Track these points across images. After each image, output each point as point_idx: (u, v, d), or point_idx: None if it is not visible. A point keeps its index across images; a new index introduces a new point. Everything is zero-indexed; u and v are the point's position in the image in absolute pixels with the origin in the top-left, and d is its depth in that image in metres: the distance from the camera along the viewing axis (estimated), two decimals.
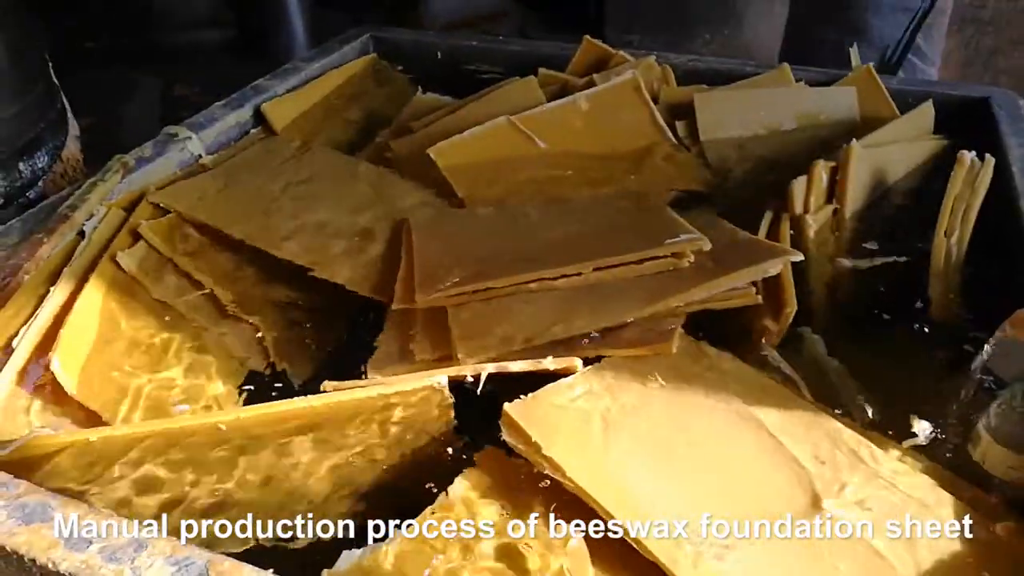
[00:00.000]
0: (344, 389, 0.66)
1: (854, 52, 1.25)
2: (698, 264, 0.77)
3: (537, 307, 0.76)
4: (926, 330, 0.80)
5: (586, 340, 0.72)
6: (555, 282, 0.78)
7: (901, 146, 0.97)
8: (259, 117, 1.11)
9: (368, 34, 1.30)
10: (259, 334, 0.83)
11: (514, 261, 0.80)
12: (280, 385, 0.81)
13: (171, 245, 0.86)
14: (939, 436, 0.70)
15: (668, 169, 1.02)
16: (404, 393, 0.63)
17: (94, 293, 0.77)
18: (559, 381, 0.67)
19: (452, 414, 0.66)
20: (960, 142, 1.04)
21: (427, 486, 0.64)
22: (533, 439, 0.60)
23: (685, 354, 0.71)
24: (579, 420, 0.63)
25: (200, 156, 1.03)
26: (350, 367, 0.75)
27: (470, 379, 0.67)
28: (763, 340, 0.75)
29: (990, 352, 0.74)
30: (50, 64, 1.16)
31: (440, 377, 0.64)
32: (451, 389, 0.66)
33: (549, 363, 0.67)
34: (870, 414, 0.71)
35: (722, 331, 0.78)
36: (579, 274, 0.78)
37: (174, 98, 1.77)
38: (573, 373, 0.67)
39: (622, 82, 1.08)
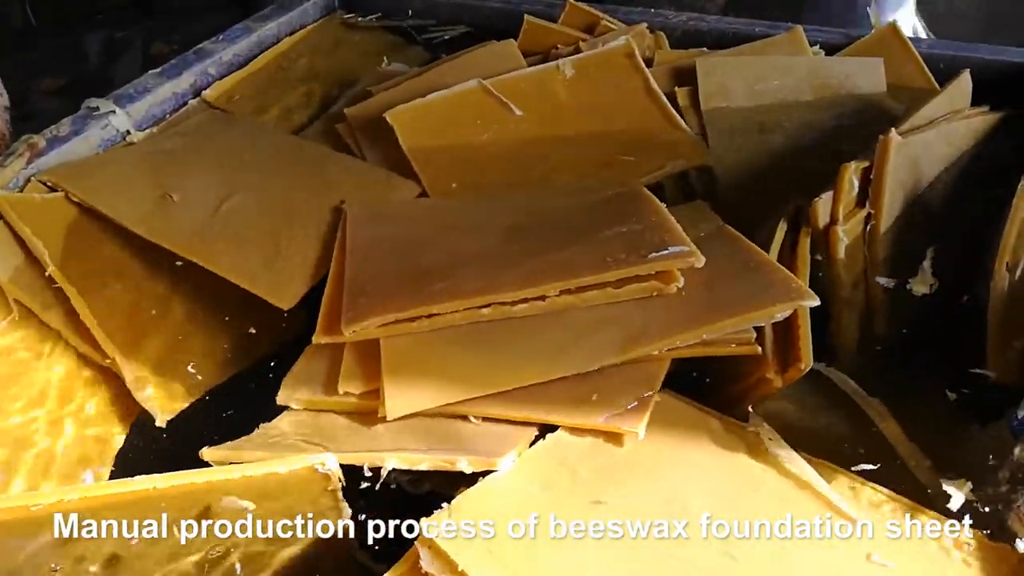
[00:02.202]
0: (226, 457, 0.47)
1: (873, 10, 1.02)
2: (689, 289, 0.57)
3: (489, 343, 0.57)
4: (981, 383, 0.59)
5: (542, 391, 0.53)
6: (513, 308, 0.58)
7: (941, 129, 0.75)
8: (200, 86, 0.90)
9: None
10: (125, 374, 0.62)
11: (466, 276, 0.60)
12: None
13: (36, 228, 0.66)
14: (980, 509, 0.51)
15: (664, 146, 0.81)
16: (273, 476, 0.44)
17: None
18: (494, 476, 0.47)
19: (344, 507, 0.47)
20: (1009, 113, 0.83)
21: None
22: (460, 567, 0.41)
23: (661, 417, 0.52)
24: (524, 535, 0.44)
25: (128, 132, 0.83)
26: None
27: (367, 471, 0.47)
28: (756, 397, 0.55)
29: None
30: None
31: (326, 456, 0.45)
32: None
33: (465, 465, 0.47)
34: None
35: (710, 370, 0.58)
36: (543, 298, 0.58)
37: (152, 56, 1.56)
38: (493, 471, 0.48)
39: (613, 48, 0.85)
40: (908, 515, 0.48)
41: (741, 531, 0.45)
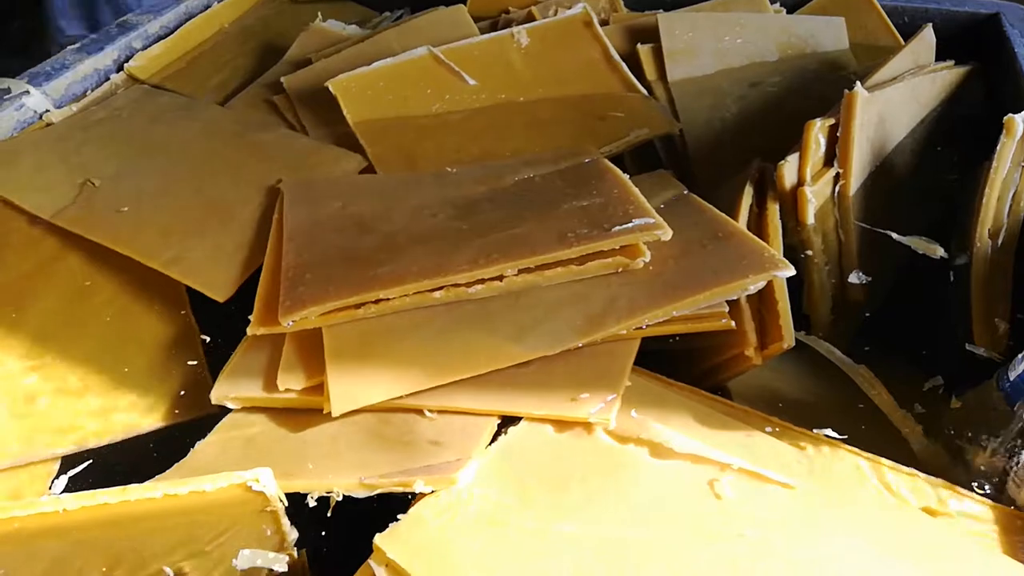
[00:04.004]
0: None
1: None
2: (655, 263, 0.52)
3: (442, 328, 0.51)
4: (964, 353, 0.55)
5: (502, 379, 0.48)
6: (468, 289, 0.53)
7: (907, 84, 0.71)
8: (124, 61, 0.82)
9: None
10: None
11: (415, 256, 0.54)
12: None
13: None
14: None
15: (627, 115, 0.76)
16: (200, 495, 0.38)
17: None
18: (452, 489, 0.42)
19: (287, 530, 0.41)
20: (976, 67, 0.79)
21: None
22: None
23: (633, 400, 0.47)
24: (488, 544, 0.39)
25: (47, 111, 0.75)
26: None
27: (312, 502, 0.42)
28: (733, 372, 0.51)
29: None
30: None
31: (259, 472, 0.39)
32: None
33: (421, 485, 0.42)
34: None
35: (681, 345, 0.54)
36: (499, 278, 0.53)
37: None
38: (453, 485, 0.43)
39: (570, 16, 0.80)
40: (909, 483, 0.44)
41: (725, 520, 0.41)
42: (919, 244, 0.59)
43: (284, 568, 0.41)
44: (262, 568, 0.40)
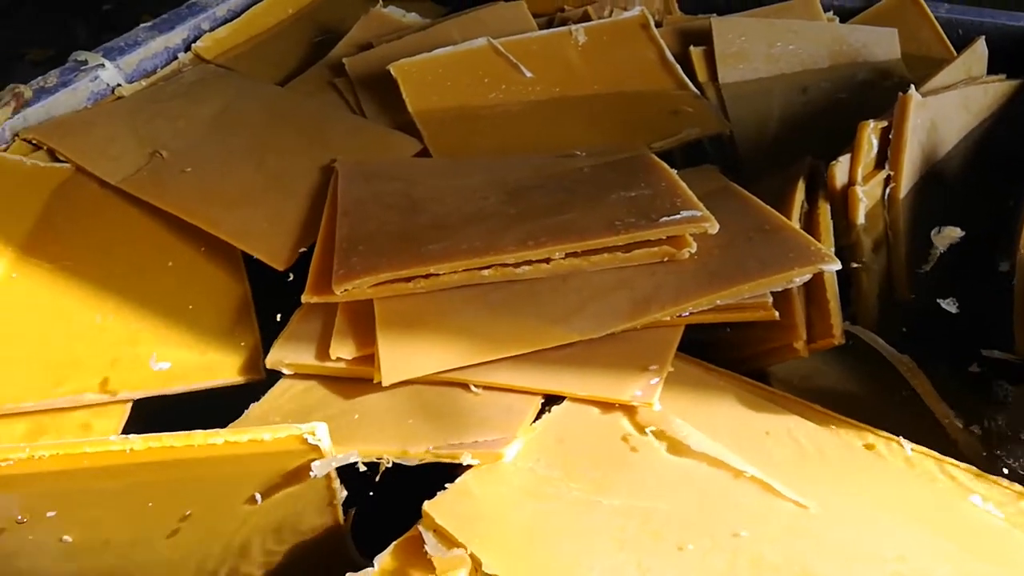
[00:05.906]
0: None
1: None
2: (701, 253, 0.52)
3: (490, 306, 0.52)
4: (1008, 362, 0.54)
5: (548, 359, 0.48)
6: (515, 270, 0.53)
7: (960, 92, 0.70)
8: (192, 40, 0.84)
9: None
10: None
11: (466, 235, 0.55)
12: None
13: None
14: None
15: (679, 114, 0.76)
16: (259, 444, 0.39)
17: None
18: (498, 462, 0.43)
19: (336, 486, 0.42)
20: None
21: None
22: (470, 550, 0.37)
23: (675, 384, 0.47)
24: (534, 513, 0.40)
25: (119, 85, 0.78)
26: None
27: (362, 467, 0.43)
28: (776, 361, 0.51)
29: None
30: None
31: (315, 425, 0.40)
32: None
33: (469, 458, 0.43)
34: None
35: (723, 332, 0.54)
36: (547, 260, 0.53)
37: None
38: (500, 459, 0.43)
39: (628, 18, 0.81)
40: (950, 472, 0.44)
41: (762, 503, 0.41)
42: (942, 240, 0.59)
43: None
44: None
